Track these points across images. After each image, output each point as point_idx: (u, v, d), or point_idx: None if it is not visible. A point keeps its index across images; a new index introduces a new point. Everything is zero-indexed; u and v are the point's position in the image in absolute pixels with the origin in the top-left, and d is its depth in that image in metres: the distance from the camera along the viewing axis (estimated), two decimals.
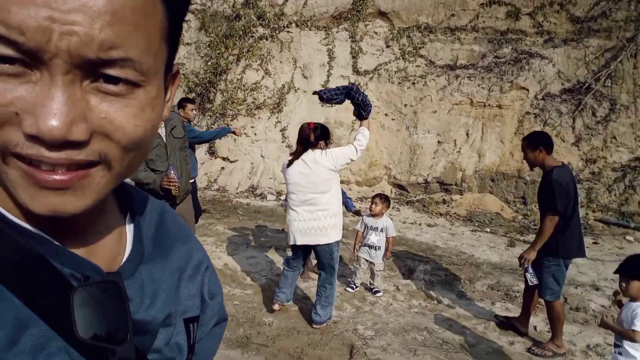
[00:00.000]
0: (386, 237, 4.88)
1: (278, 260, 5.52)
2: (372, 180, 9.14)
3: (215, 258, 5.41)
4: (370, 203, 5.02)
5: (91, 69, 0.39)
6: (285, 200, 4.23)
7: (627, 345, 2.65)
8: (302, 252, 4.08)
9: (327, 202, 3.77)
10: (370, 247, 4.88)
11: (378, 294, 4.91)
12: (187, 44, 11.06)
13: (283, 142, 9.51)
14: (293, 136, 9.34)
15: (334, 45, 10.41)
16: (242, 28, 10.51)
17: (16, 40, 0.36)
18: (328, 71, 10.17)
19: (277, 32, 10.60)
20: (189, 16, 11.14)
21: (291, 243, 3.96)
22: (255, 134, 9.53)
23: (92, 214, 0.48)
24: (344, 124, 9.58)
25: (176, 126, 4.05)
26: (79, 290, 0.45)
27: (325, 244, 3.84)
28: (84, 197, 0.42)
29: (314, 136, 3.75)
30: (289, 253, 4.41)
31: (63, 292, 0.44)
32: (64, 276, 0.46)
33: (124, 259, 0.54)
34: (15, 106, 0.38)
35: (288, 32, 10.62)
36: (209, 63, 10.31)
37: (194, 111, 5.77)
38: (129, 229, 0.58)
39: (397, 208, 8.61)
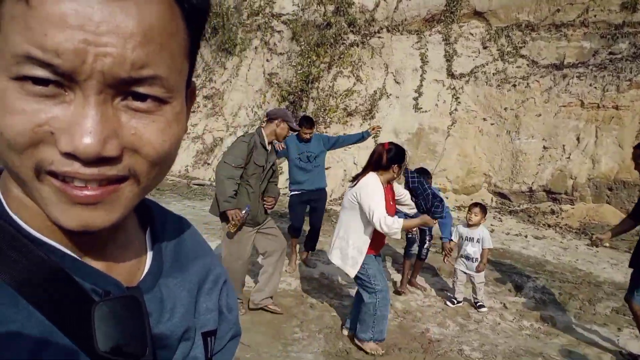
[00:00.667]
0: (482, 248, 4.55)
1: None
2: (471, 188, 8.66)
3: (312, 266, 5.39)
4: (467, 212, 4.72)
5: (122, 88, 0.40)
6: None
7: None
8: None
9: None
10: (467, 258, 4.60)
11: (482, 310, 4.58)
12: (280, 53, 11.34)
13: None
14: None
15: (427, 49, 10.09)
16: (333, 36, 10.55)
17: (52, 62, 0.37)
18: (421, 75, 9.87)
19: (367, 38, 10.51)
20: (281, 27, 11.45)
21: None
22: None
23: (113, 228, 0.48)
24: (438, 130, 9.21)
25: (275, 152, 4.15)
26: (100, 305, 0.46)
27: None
28: (113, 211, 0.44)
29: (386, 158, 3.45)
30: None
31: (85, 307, 0.46)
32: (86, 291, 0.47)
33: (144, 273, 0.55)
34: (50, 126, 0.40)
35: (379, 37, 10.48)
36: (301, 72, 10.47)
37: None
38: (148, 243, 0.59)
39: (499, 218, 8.07)
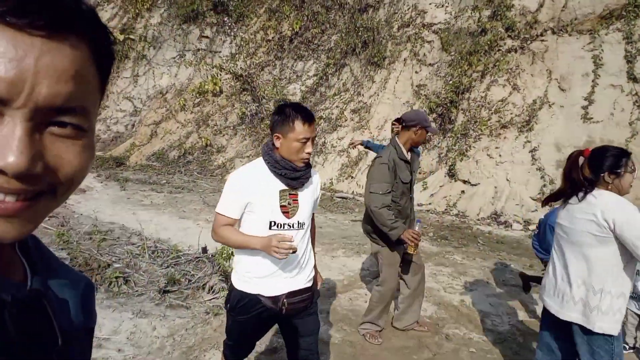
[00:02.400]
0: None
1: (524, 305, 4.71)
2: None
3: (451, 292, 4.96)
4: None
5: (49, 115, 0.47)
6: None
7: None
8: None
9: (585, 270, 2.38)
10: (638, 298, 3.73)
11: None
12: (429, 64, 10.96)
13: (533, 164, 8.37)
14: (545, 158, 8.17)
15: (602, 50, 8.76)
16: (488, 42, 9.83)
17: None
18: (593, 81, 8.59)
19: (528, 42, 9.55)
20: (432, 37, 11.07)
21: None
22: (499, 155, 8.67)
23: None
24: (614, 144, 7.87)
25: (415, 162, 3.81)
26: (9, 305, 0.51)
27: (579, 326, 2.39)
28: (28, 224, 0.49)
29: (591, 169, 2.41)
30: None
31: None
32: None
33: (30, 276, 0.59)
34: None
35: (542, 41, 9.45)
36: (451, 82, 9.95)
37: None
38: (17, 250, 0.62)
39: None
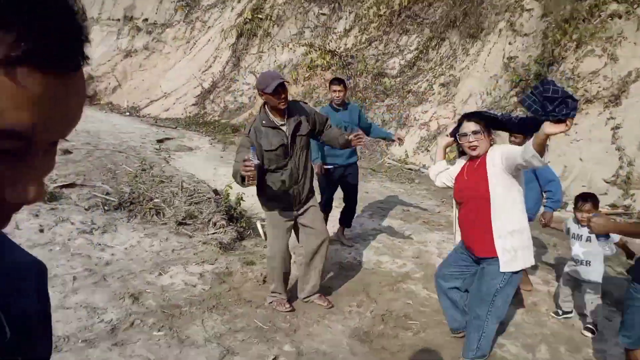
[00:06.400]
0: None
1: None
2: None
3: (347, 244, 5.13)
4: (574, 209, 3.75)
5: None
6: None
7: None
8: None
9: None
10: (575, 261, 3.75)
11: (587, 335, 3.61)
12: (525, 35, 10.24)
13: (613, 143, 7.50)
14: (628, 136, 7.32)
15: None
16: (587, 8, 8.85)
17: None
18: None
19: (635, 6, 8.36)
20: (533, 4, 10.28)
21: None
22: (576, 132, 7.91)
23: None
24: None
25: (301, 121, 3.62)
26: None
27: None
28: (5, 222, 0.52)
29: None
30: None
31: None
32: None
33: None
34: None
35: None
36: (539, 53, 9.22)
37: (335, 93, 5.02)
38: None
39: None
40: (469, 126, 2.92)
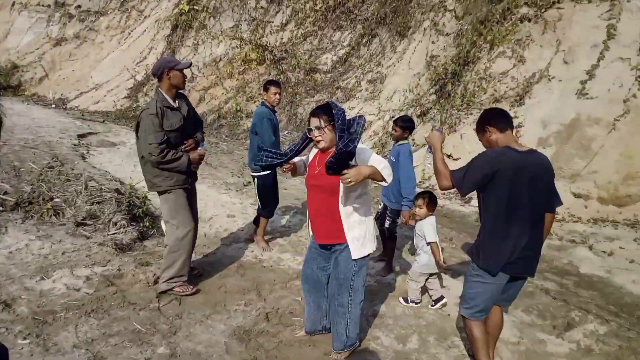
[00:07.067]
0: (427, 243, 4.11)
1: None
2: (625, 198, 6.53)
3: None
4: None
5: None
6: None
7: None
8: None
9: None
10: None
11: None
12: (447, 34, 10.61)
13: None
14: (528, 135, 7.75)
15: (619, 20, 7.90)
16: (500, 11, 9.28)
17: None
18: (600, 53, 7.81)
19: (543, 10, 8.86)
20: (454, 4, 10.63)
21: None
22: None
23: None
24: (600, 122, 7.19)
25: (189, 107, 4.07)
26: None
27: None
28: None
29: None
30: None
31: None
32: None
33: None
34: None
35: (558, 8, 8.72)
36: (455, 53, 9.59)
37: (276, 95, 5.06)
38: None
39: None
40: (313, 122, 3.00)
